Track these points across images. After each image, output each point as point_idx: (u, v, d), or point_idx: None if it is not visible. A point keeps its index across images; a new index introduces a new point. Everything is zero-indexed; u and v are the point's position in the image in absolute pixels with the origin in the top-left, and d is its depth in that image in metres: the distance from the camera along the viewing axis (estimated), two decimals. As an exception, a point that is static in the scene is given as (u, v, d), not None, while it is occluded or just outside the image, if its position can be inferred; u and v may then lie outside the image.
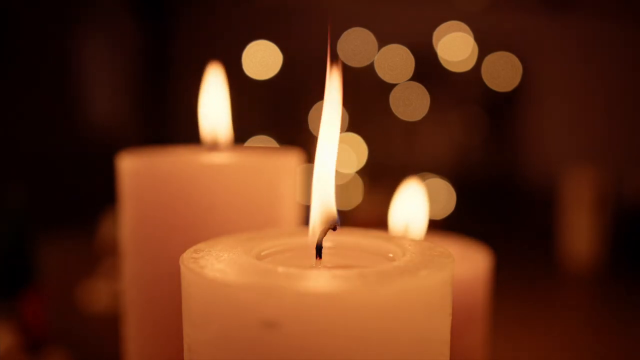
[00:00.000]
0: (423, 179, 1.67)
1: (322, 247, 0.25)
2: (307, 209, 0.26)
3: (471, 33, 1.74)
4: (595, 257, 1.15)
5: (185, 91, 1.90)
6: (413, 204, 0.38)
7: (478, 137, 1.85)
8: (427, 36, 1.76)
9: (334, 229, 0.25)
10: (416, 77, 1.77)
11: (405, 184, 0.39)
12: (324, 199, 0.26)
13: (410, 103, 1.78)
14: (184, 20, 1.97)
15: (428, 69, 1.77)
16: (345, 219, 0.27)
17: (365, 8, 1.81)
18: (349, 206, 1.54)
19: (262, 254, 0.26)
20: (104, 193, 0.75)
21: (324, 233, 0.25)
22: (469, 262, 0.38)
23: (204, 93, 0.40)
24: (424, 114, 1.79)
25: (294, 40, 1.81)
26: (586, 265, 1.14)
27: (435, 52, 1.76)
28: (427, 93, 1.77)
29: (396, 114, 1.79)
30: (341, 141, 0.27)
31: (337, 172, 0.26)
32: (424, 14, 1.76)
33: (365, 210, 1.47)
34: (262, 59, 1.77)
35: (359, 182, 1.65)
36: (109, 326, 0.64)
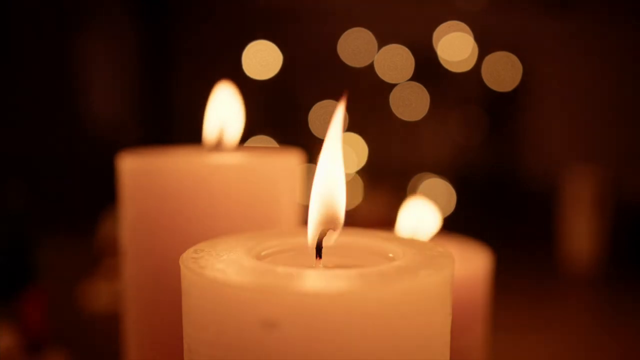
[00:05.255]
0: (423, 179, 1.67)
1: (322, 247, 0.25)
2: (307, 208, 0.26)
3: (471, 33, 1.74)
4: (594, 256, 1.15)
5: (185, 91, 1.90)
6: (421, 217, 0.38)
7: (478, 137, 1.85)
8: (427, 36, 1.76)
9: (334, 229, 0.25)
10: (416, 77, 1.77)
11: (410, 202, 0.39)
12: (329, 201, 0.26)
13: (410, 103, 1.78)
14: (184, 20, 1.97)
15: (428, 69, 1.77)
16: (345, 219, 0.27)
17: (365, 8, 1.81)
18: (349, 206, 1.53)
19: (262, 254, 0.26)
20: (104, 193, 0.75)
21: (324, 233, 0.25)
22: (469, 262, 0.38)
23: (215, 97, 0.40)
24: (424, 114, 1.79)
25: (294, 40, 1.81)
26: (586, 264, 1.14)
27: (435, 52, 1.76)
28: (427, 93, 1.77)
29: (396, 114, 1.79)
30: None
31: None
32: (424, 14, 1.76)
33: (365, 210, 1.47)
34: (262, 59, 1.77)
35: (359, 182, 1.65)
36: (109, 326, 0.64)
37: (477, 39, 1.75)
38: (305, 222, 0.26)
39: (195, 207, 0.34)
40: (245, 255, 0.24)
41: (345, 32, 1.78)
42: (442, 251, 0.25)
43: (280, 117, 1.86)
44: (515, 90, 1.80)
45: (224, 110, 0.40)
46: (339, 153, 0.26)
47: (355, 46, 1.78)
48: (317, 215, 0.26)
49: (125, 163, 0.36)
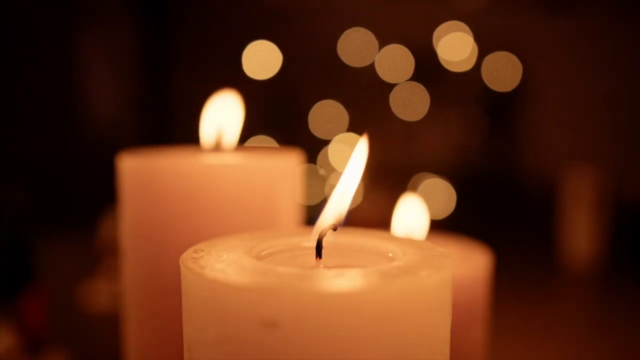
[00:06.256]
0: (423, 179, 1.67)
1: (322, 247, 0.25)
2: (309, 208, 0.26)
3: (471, 33, 1.74)
4: (594, 256, 1.15)
5: (185, 91, 1.90)
6: (413, 216, 0.38)
7: (478, 137, 1.84)
8: (427, 36, 1.76)
9: (335, 229, 0.25)
10: (416, 77, 1.77)
11: (403, 198, 0.39)
12: (339, 207, 0.26)
13: (410, 103, 1.78)
14: (184, 20, 1.97)
15: (428, 69, 1.77)
16: (345, 219, 0.27)
17: (365, 8, 1.81)
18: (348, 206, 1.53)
19: (262, 254, 0.26)
20: (104, 193, 0.75)
21: (325, 233, 0.25)
22: (469, 262, 0.38)
23: (213, 100, 0.40)
24: (424, 114, 1.79)
25: (294, 40, 1.81)
26: (586, 264, 1.14)
27: (435, 52, 1.76)
28: (427, 93, 1.77)
29: (396, 114, 1.79)
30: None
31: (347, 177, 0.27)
32: (424, 14, 1.76)
33: (365, 210, 1.47)
34: (262, 59, 1.77)
35: (359, 182, 1.64)
36: (109, 326, 0.64)
37: (477, 39, 1.75)
38: (306, 221, 0.26)
39: (194, 207, 0.34)
40: (245, 255, 0.24)
41: (345, 32, 1.78)
42: (442, 251, 0.25)
43: (280, 117, 1.86)
44: (515, 90, 1.80)
45: (222, 115, 0.40)
46: (362, 162, 0.27)
47: (355, 46, 1.78)
48: (329, 219, 0.26)
49: (125, 163, 0.36)
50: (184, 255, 0.24)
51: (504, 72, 1.78)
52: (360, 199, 1.59)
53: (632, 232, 1.26)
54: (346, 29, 1.78)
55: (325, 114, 1.74)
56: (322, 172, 1.62)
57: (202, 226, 0.34)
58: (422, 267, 0.22)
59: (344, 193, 0.26)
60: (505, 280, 0.58)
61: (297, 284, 0.21)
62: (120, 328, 0.40)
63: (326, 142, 1.68)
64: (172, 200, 0.34)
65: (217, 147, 0.40)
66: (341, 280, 0.21)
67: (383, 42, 1.77)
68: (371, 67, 1.78)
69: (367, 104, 1.79)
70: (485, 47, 1.76)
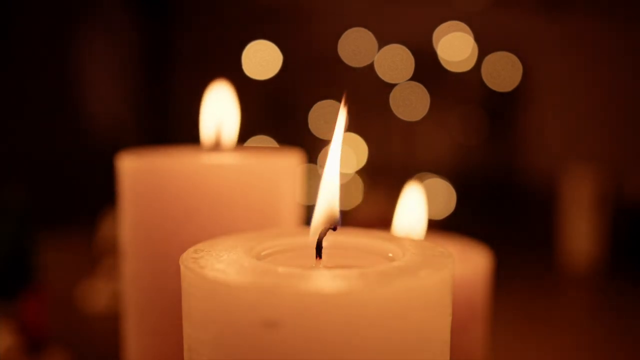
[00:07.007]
0: (423, 179, 1.67)
1: (322, 247, 0.25)
2: (308, 208, 0.26)
3: (471, 33, 1.74)
4: (595, 256, 1.15)
5: (185, 91, 1.90)
6: (413, 209, 0.38)
7: (478, 137, 1.85)
8: (427, 36, 1.76)
9: (334, 229, 0.25)
10: (416, 77, 1.77)
11: (406, 189, 0.39)
12: (329, 200, 0.26)
13: (410, 103, 1.78)
14: (184, 20, 1.97)
15: (428, 69, 1.77)
16: (345, 219, 0.27)
17: (365, 8, 1.81)
18: (349, 206, 1.54)
19: (262, 254, 0.26)
20: (104, 193, 0.75)
21: (324, 233, 0.25)
22: (469, 262, 0.38)
23: (210, 95, 0.40)
24: (424, 114, 1.79)
25: (294, 40, 1.81)
26: (586, 264, 1.14)
27: (435, 52, 1.76)
28: (427, 93, 1.77)
29: (396, 114, 1.79)
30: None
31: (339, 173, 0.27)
32: (424, 14, 1.76)
33: (365, 210, 1.47)
34: (262, 59, 1.77)
35: (359, 182, 1.65)
36: (109, 326, 0.64)
37: (477, 39, 1.75)
38: (306, 221, 0.26)
39: (195, 207, 0.34)
40: (245, 255, 0.24)
41: (345, 32, 1.78)
42: (442, 251, 0.25)
43: (280, 117, 1.86)
44: (515, 90, 1.80)
45: (220, 109, 0.40)
46: (338, 156, 0.26)
47: (355, 46, 1.78)
48: (321, 214, 0.26)
49: (125, 163, 0.36)
50: (184, 255, 0.24)
51: (504, 72, 1.78)
52: (360, 199, 1.59)
53: (632, 232, 1.26)
54: (346, 29, 1.78)
55: (325, 114, 1.74)
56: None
57: (202, 226, 0.34)
58: (422, 267, 0.22)
59: (330, 188, 0.26)
60: (505, 280, 0.58)
61: (297, 284, 0.21)
62: (120, 328, 0.40)
63: (326, 142, 1.68)
64: (172, 200, 0.34)
65: (217, 147, 0.40)
66: (341, 281, 0.21)
67: (383, 42, 1.77)
68: (371, 67, 1.78)
69: (367, 104, 1.79)
70: (485, 47, 1.76)
